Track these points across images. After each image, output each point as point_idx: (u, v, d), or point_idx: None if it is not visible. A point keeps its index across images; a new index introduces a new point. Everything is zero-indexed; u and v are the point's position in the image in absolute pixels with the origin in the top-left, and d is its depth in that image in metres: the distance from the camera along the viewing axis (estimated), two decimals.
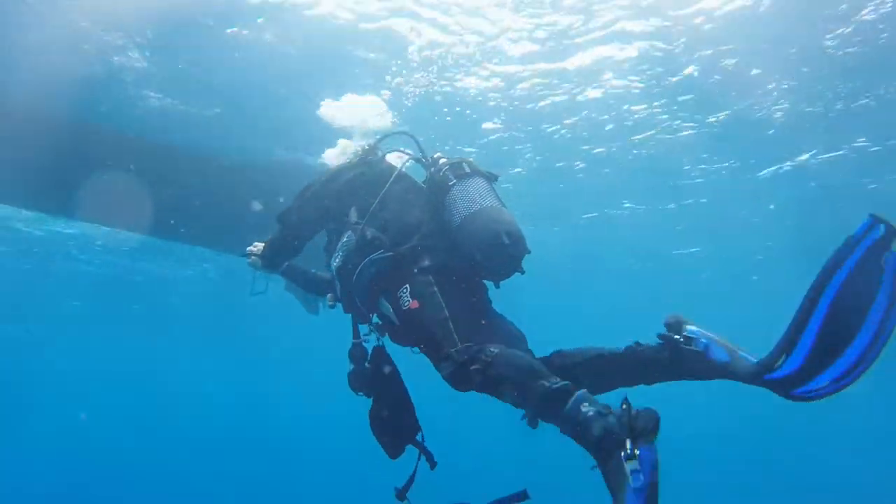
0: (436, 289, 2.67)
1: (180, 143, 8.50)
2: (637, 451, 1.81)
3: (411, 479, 2.79)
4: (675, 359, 2.32)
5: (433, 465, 2.87)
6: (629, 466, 1.79)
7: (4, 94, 6.97)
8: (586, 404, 2.04)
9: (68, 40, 6.55)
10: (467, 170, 2.92)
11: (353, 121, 3.97)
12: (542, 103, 8.33)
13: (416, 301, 2.67)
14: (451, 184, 2.86)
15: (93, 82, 7.27)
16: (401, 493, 2.76)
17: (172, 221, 9.56)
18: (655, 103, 8.41)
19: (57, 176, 8.10)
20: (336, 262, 3.03)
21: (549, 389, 2.16)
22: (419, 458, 2.86)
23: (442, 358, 2.50)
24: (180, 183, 8.73)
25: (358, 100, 4.19)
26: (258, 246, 3.49)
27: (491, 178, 2.98)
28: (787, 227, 12.02)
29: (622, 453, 1.83)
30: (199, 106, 8.09)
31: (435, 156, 3.17)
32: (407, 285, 2.73)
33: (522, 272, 2.79)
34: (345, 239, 2.99)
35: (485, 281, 3.01)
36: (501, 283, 2.96)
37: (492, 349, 2.39)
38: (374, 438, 2.94)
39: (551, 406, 2.15)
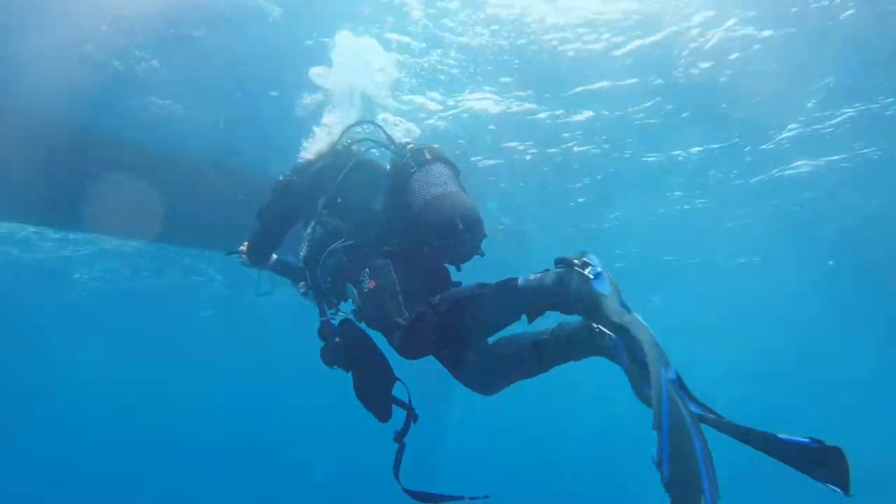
0: (391, 268, 2.76)
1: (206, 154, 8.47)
2: (584, 259, 2.28)
3: (406, 427, 2.87)
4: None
5: (415, 417, 2.92)
6: (587, 271, 2.23)
7: (9, 102, 6.88)
8: (531, 275, 2.42)
9: (72, 44, 6.46)
10: (428, 156, 2.94)
11: (351, 70, 3.84)
12: (540, 115, 8.36)
13: (373, 281, 2.76)
14: (412, 170, 2.89)
15: (98, 87, 7.15)
16: (398, 437, 2.84)
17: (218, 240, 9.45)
18: (655, 119, 8.47)
19: (65, 187, 8.03)
20: (302, 251, 3.14)
21: (498, 283, 2.49)
22: (409, 410, 2.93)
23: (392, 329, 2.57)
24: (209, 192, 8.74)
25: (354, 42, 3.96)
26: (247, 244, 3.61)
27: (453, 166, 3.00)
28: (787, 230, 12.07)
29: (576, 270, 2.27)
30: (206, 111, 7.91)
31: (402, 142, 3.24)
32: (367, 269, 2.81)
33: (482, 255, 2.86)
34: (309, 229, 3.09)
35: (448, 265, 3.05)
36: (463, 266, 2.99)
37: (434, 298, 2.56)
38: (363, 407, 2.96)
39: (508, 291, 2.45)
